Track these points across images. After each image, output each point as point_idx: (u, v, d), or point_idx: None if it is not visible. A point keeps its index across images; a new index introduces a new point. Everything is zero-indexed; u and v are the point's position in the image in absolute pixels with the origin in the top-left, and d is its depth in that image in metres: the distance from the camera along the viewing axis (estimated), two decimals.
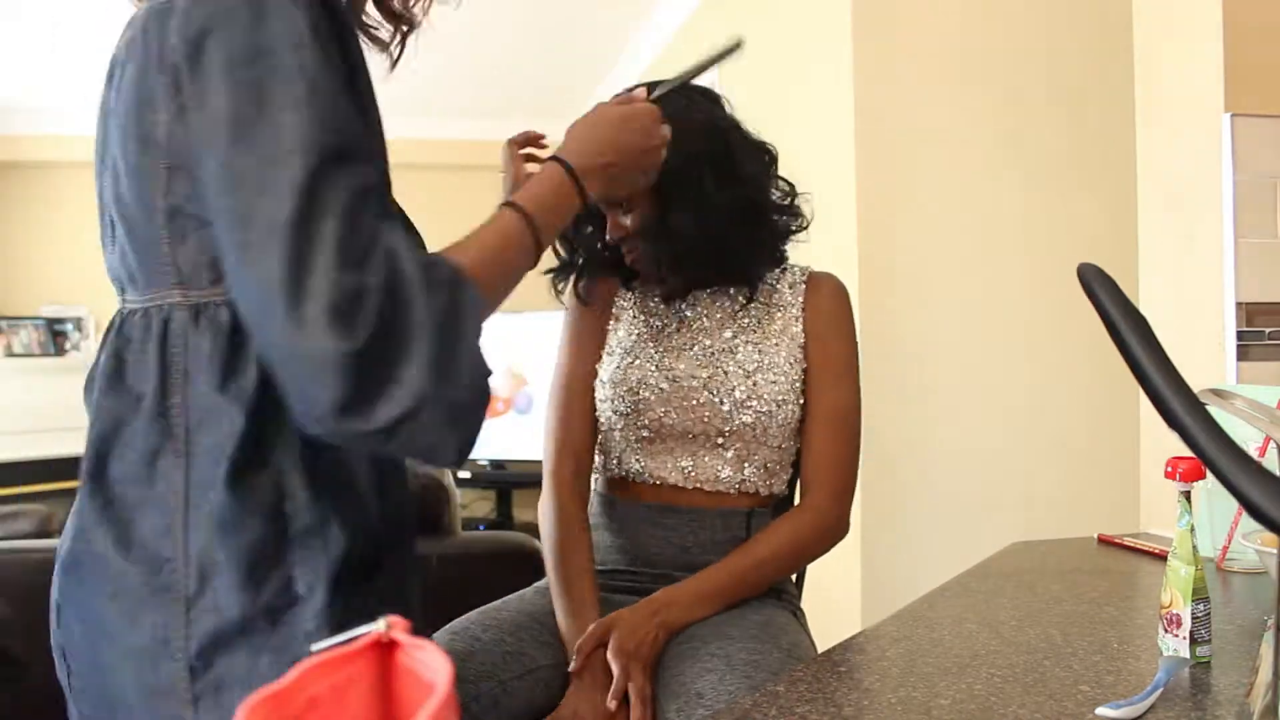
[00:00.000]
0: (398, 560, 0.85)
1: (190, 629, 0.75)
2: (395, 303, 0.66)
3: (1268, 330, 1.39)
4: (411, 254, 0.68)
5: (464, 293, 0.71)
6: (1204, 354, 1.42)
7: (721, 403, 1.23)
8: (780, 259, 1.33)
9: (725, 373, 1.25)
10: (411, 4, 0.89)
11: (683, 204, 1.20)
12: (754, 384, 1.23)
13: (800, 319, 1.29)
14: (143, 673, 0.76)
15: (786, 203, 1.31)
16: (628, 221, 1.24)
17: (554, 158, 0.92)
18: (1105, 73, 2.30)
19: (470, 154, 5.18)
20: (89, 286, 5.49)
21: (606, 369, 1.31)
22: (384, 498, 0.83)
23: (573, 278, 1.37)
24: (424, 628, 0.92)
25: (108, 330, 0.84)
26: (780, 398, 1.24)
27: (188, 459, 0.76)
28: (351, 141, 0.70)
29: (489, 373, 0.73)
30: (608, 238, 1.26)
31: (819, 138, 2.45)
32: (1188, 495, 0.90)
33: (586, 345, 1.35)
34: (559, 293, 1.39)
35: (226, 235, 0.69)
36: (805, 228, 1.33)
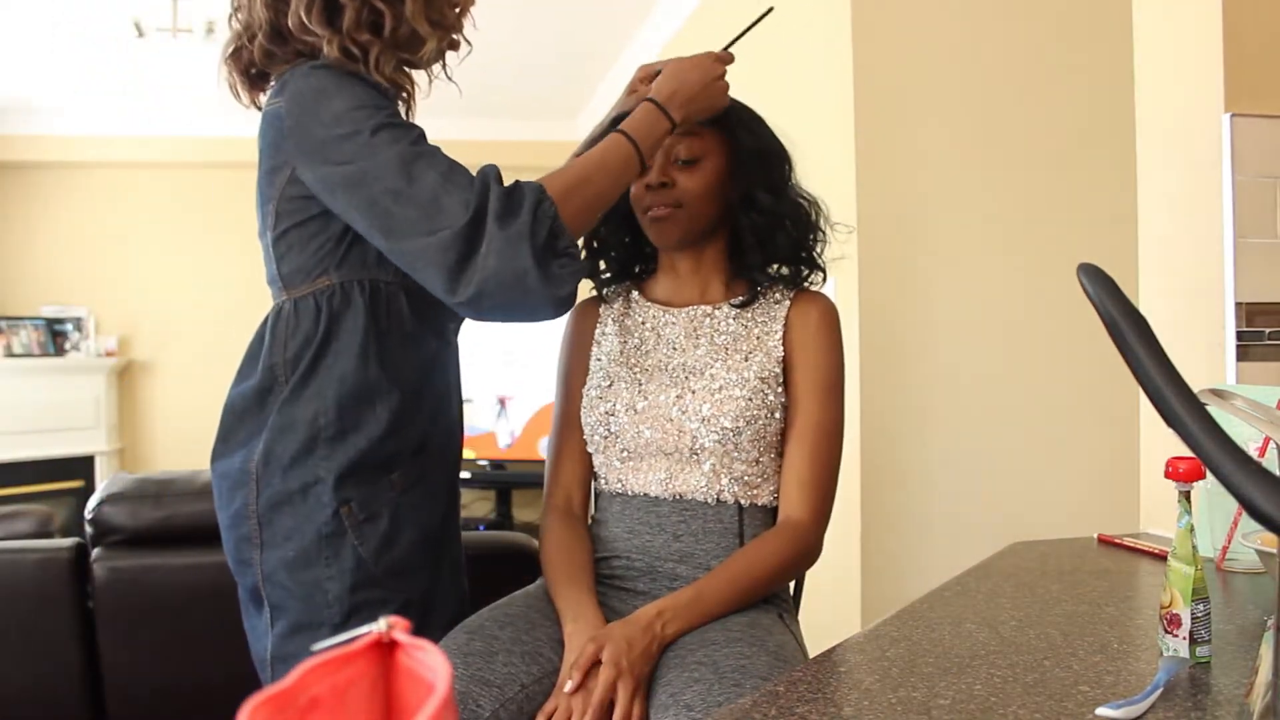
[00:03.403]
0: (416, 466, 1.23)
1: (259, 499, 1.19)
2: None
3: (1268, 330, 1.39)
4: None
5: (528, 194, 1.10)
6: (1204, 354, 1.42)
7: (689, 420, 1.25)
8: (791, 282, 1.35)
9: (693, 391, 1.26)
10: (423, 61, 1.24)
11: (758, 181, 1.31)
12: (719, 401, 1.24)
13: (780, 335, 1.29)
14: (238, 526, 1.21)
15: (818, 247, 1.39)
16: (687, 179, 1.29)
17: (645, 98, 1.24)
18: (1105, 73, 2.30)
19: (469, 154, 5.17)
20: (89, 286, 5.49)
21: (587, 394, 1.35)
22: (402, 423, 1.20)
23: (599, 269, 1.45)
24: (455, 527, 1.35)
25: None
26: (750, 414, 1.24)
27: (290, 393, 1.19)
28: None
29: (551, 217, 1.09)
30: (651, 180, 1.30)
31: (819, 137, 2.45)
32: (1188, 495, 0.90)
33: (574, 379, 1.40)
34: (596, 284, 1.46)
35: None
36: (818, 280, 1.40)
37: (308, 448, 1.17)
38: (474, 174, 1.11)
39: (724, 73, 1.29)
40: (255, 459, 1.18)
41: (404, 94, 1.26)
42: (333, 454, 1.17)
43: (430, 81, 1.29)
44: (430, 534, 1.26)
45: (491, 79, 4.56)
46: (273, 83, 1.22)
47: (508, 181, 1.12)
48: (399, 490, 1.21)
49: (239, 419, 1.22)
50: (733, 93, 1.31)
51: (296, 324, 1.18)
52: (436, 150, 1.12)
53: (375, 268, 1.18)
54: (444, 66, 1.29)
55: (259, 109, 1.23)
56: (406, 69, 1.24)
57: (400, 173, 1.07)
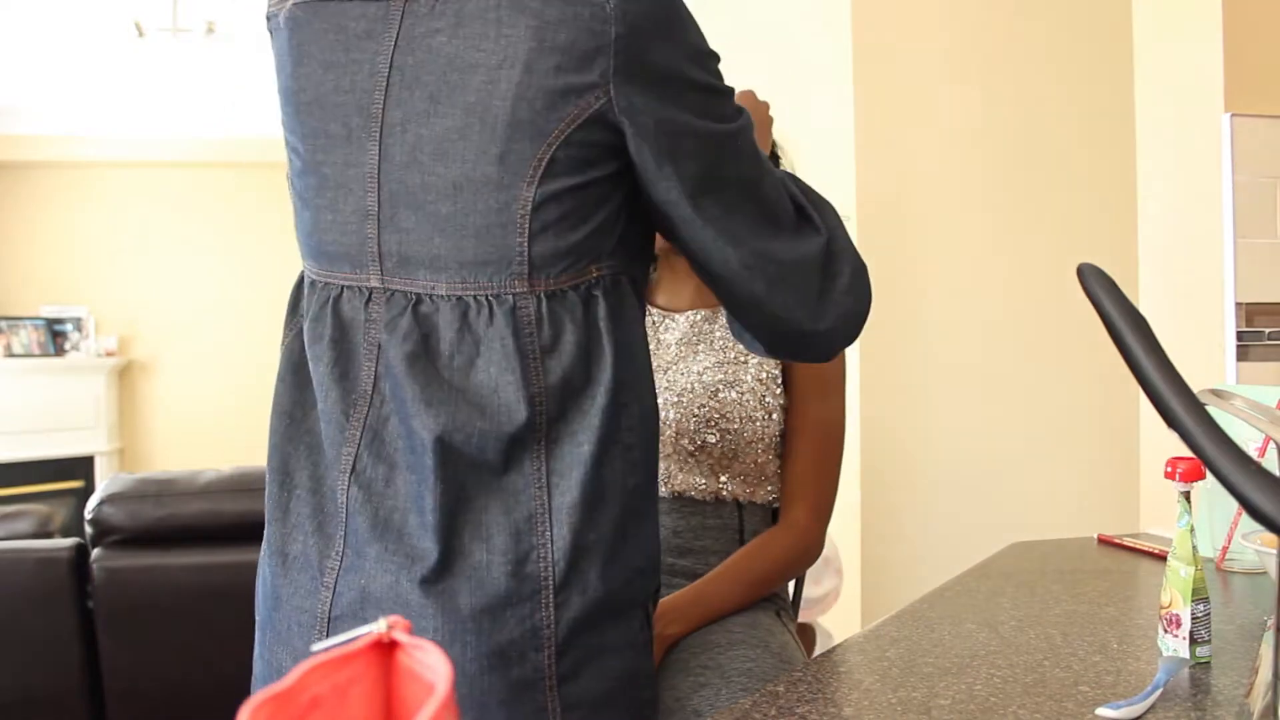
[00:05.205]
0: None
1: (559, 614, 0.76)
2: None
3: (1268, 330, 1.39)
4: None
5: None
6: (1204, 354, 1.42)
7: (687, 421, 1.25)
8: None
9: (693, 392, 1.26)
10: None
11: None
12: (719, 402, 1.24)
13: None
14: (507, 671, 0.76)
15: None
16: None
17: None
18: (1105, 73, 2.30)
19: None
20: (89, 286, 5.50)
21: None
22: None
23: None
24: None
25: (341, 312, 0.81)
26: (748, 414, 1.24)
27: (547, 444, 0.77)
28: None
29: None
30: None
31: (818, 137, 2.45)
32: (1188, 495, 0.90)
33: None
34: None
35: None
36: None
37: (624, 522, 0.80)
38: None
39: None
40: (536, 555, 0.76)
41: None
42: (645, 520, 0.83)
43: None
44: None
45: None
46: None
47: None
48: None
49: (474, 486, 0.77)
50: (731, 85, 1.31)
51: (556, 334, 0.78)
52: None
53: (639, 256, 0.86)
54: None
55: None
56: None
57: (755, 161, 0.81)
